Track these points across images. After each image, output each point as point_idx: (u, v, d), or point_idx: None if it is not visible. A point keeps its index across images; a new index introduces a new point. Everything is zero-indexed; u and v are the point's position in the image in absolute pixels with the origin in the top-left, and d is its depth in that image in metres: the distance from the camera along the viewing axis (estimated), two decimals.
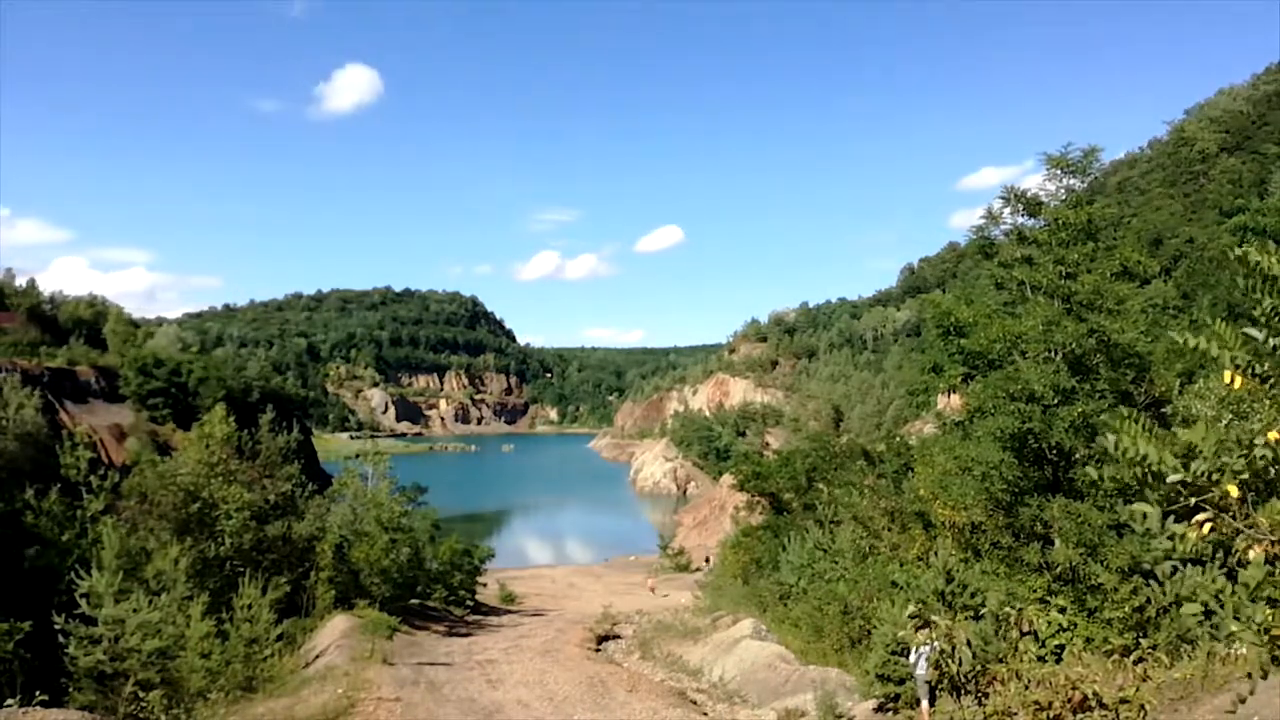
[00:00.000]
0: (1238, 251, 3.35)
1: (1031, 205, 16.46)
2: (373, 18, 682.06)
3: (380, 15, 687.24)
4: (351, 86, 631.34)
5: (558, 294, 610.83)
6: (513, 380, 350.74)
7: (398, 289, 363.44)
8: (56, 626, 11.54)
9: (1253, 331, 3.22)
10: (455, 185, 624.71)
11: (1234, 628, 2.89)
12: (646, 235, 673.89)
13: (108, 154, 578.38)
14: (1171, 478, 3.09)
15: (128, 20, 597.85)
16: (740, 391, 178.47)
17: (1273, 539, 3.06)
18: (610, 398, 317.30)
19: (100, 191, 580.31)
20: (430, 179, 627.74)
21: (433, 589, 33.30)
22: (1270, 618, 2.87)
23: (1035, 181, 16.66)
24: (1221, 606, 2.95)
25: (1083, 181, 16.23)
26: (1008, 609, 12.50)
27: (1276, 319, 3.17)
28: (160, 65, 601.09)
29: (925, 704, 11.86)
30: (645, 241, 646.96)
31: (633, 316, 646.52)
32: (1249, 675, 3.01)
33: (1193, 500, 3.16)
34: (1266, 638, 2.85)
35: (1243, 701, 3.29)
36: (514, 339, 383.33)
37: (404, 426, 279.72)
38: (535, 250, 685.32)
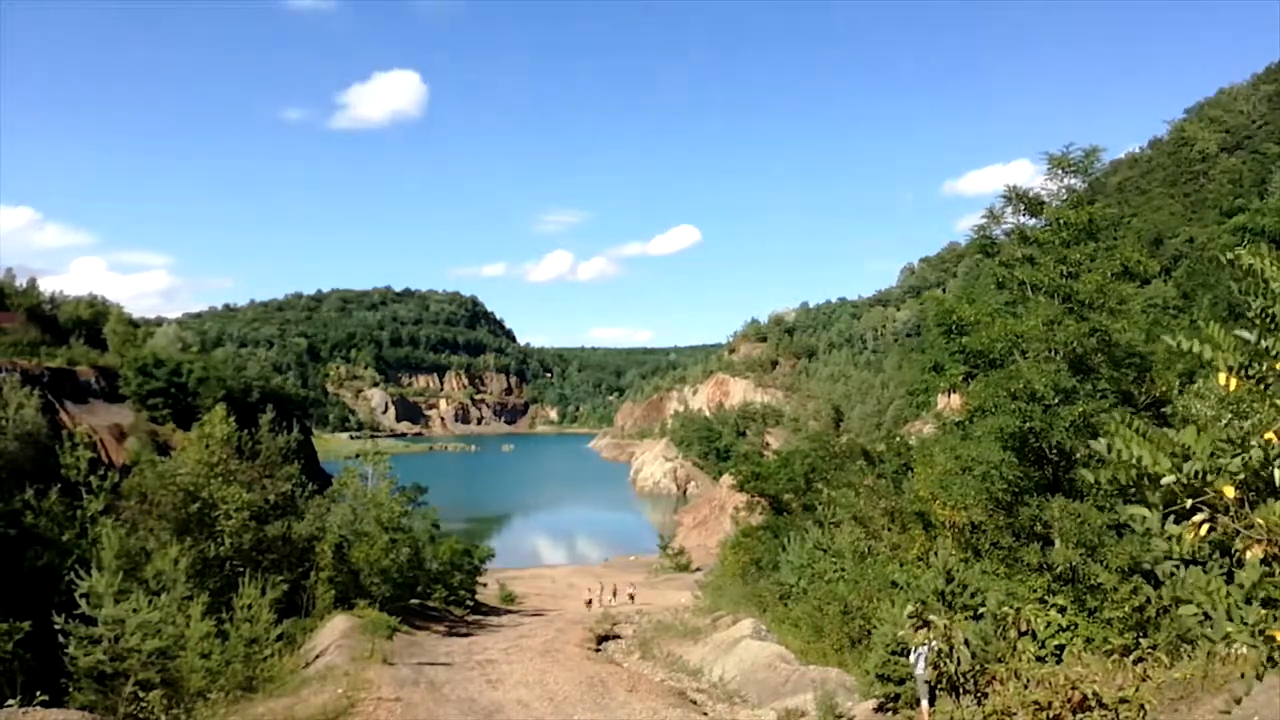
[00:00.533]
0: (1230, 255, 3.36)
1: (1033, 205, 16.46)
2: (382, 22, 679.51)
3: (389, 22, 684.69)
4: (376, 96, 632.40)
5: (570, 295, 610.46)
6: (513, 380, 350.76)
7: (397, 289, 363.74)
8: (56, 626, 11.55)
9: (1244, 333, 3.22)
10: (464, 186, 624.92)
11: (1229, 629, 2.89)
12: (661, 236, 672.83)
13: (130, 157, 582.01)
14: (1165, 480, 3.09)
15: (142, 24, 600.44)
16: (740, 391, 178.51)
17: (1271, 539, 3.06)
18: (610, 398, 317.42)
19: (122, 195, 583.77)
20: (437, 180, 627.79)
21: (433, 589, 33.32)
22: (1265, 618, 2.87)
23: (1037, 180, 16.66)
24: (1216, 607, 2.95)
25: (1084, 181, 16.22)
26: (1007, 609, 12.50)
27: (1270, 320, 3.17)
28: (178, 67, 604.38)
29: (925, 704, 11.85)
30: (660, 243, 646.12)
31: (643, 317, 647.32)
32: (1241, 676, 3.01)
33: (1190, 502, 3.15)
34: (1261, 638, 2.84)
35: (1238, 702, 3.28)
36: (514, 339, 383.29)
37: (404, 426, 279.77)
38: (545, 252, 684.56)
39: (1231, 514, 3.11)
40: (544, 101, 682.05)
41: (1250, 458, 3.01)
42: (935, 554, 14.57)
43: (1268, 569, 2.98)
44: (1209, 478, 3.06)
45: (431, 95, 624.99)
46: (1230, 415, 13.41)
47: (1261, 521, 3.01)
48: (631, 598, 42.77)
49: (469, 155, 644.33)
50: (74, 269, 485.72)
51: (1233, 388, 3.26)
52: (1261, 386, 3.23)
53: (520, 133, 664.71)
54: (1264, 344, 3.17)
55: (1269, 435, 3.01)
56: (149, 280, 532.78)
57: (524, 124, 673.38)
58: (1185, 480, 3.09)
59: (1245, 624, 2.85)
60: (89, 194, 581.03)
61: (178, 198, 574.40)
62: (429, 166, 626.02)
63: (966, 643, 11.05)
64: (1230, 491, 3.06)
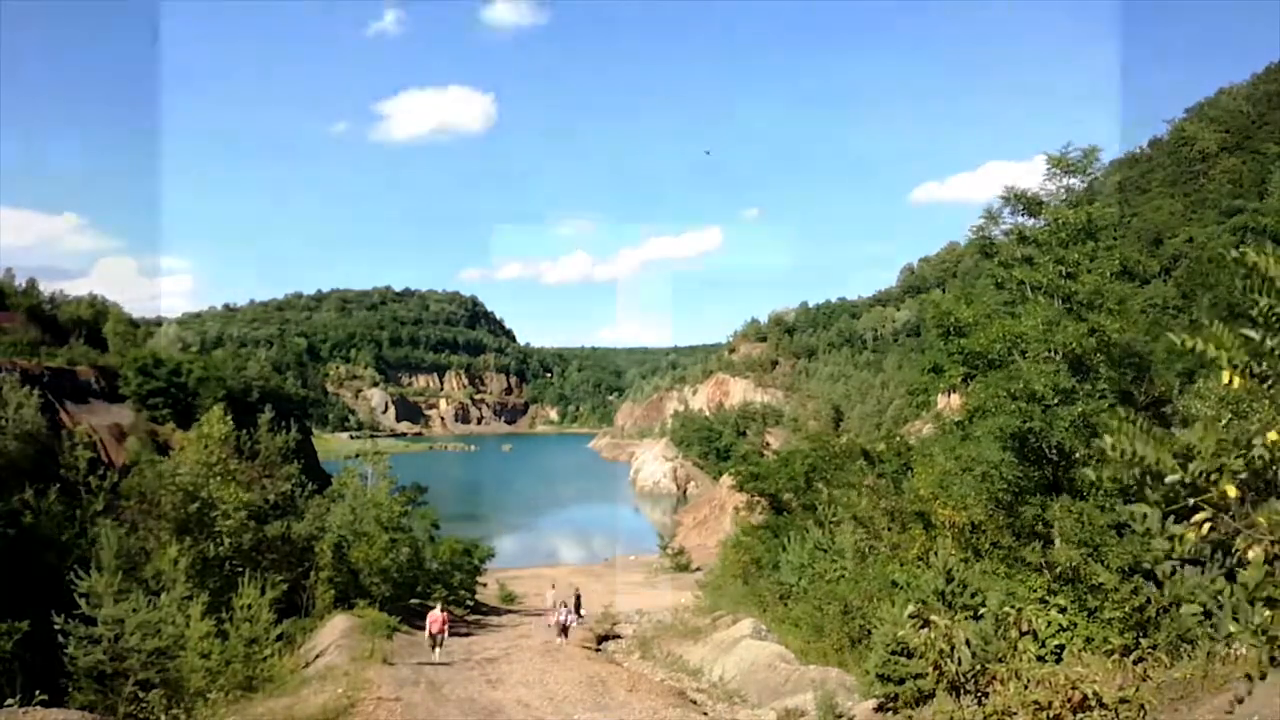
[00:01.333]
0: (1235, 253, 3.35)
1: (1031, 205, 16.45)
2: (431, 37, 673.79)
3: (442, 36, 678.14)
4: (412, 110, 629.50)
5: (586, 297, 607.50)
6: (513, 380, 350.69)
7: (397, 289, 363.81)
8: (56, 626, 11.55)
9: (1250, 332, 3.21)
10: (482, 190, 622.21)
11: (1232, 629, 2.88)
12: (682, 237, 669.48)
13: (170, 164, 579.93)
14: (1169, 478, 3.08)
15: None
16: (740, 391, 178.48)
17: (1272, 539, 3.06)
18: (610, 398, 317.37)
19: (163, 202, 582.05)
20: (456, 184, 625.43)
21: (433, 589, 33.29)
22: (1269, 619, 2.86)
23: (1035, 180, 16.63)
24: (1220, 607, 2.95)
25: (1083, 181, 16.22)
26: (1007, 609, 12.49)
27: (1274, 319, 3.17)
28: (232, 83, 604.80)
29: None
30: (681, 244, 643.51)
31: (659, 318, 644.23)
32: (1248, 676, 3.01)
33: (1191, 501, 3.15)
34: (1265, 639, 2.84)
35: (1240, 702, 3.28)
36: (514, 339, 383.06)
37: (404, 426, 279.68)
38: (563, 254, 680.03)
39: (1233, 514, 3.10)
40: (564, 106, 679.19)
41: (1254, 458, 3.00)
42: (935, 554, 14.55)
43: (1269, 569, 2.97)
44: (1213, 477, 3.06)
45: (452, 109, 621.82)
46: (1230, 415, 13.41)
47: (1263, 521, 3.00)
48: (577, 611, 29.66)
49: (490, 161, 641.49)
50: (98, 270, 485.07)
51: (1236, 386, 3.25)
52: (1264, 385, 3.22)
53: (538, 136, 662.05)
54: (1268, 344, 3.15)
55: (1271, 435, 3.01)
56: (176, 283, 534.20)
57: (542, 128, 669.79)
58: (1189, 479, 3.08)
59: (1250, 624, 2.84)
60: (127, 200, 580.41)
61: (215, 203, 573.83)
62: (446, 172, 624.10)
63: (967, 643, 11.03)
64: (1233, 491, 3.05)
